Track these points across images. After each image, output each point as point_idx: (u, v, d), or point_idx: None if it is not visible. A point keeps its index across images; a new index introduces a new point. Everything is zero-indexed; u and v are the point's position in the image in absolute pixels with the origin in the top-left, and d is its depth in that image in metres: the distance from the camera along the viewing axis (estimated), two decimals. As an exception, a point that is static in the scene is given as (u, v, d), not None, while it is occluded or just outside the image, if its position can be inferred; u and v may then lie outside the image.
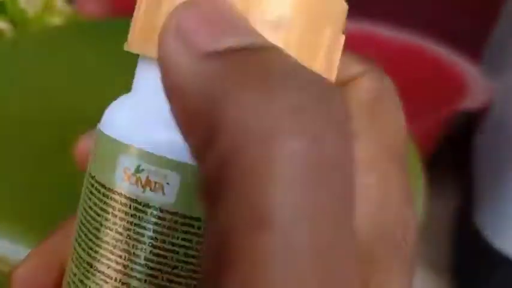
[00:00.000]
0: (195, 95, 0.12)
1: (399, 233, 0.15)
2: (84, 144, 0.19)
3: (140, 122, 0.15)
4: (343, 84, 0.17)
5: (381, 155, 0.16)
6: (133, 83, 0.17)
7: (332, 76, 0.16)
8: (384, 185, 0.15)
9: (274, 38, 0.14)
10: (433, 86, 0.58)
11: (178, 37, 0.13)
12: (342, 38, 0.16)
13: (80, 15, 0.54)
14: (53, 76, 0.39)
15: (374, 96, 0.16)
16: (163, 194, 0.14)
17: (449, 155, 0.57)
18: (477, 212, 0.47)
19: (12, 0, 0.49)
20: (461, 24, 0.67)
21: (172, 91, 0.13)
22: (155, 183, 0.14)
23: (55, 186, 0.31)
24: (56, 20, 0.52)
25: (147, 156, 0.15)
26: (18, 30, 0.50)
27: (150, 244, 0.15)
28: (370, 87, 0.16)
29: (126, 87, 0.37)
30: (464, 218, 0.49)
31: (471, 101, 0.52)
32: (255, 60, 0.12)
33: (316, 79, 0.12)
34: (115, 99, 0.17)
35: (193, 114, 0.12)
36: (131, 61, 0.37)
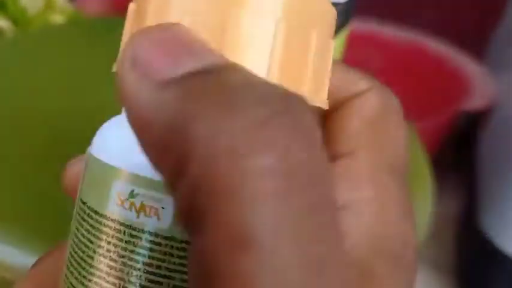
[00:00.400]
0: (159, 126, 0.12)
1: (398, 247, 0.15)
2: (72, 171, 0.18)
3: (133, 145, 0.15)
4: (348, 99, 0.16)
5: (381, 170, 0.15)
6: None
7: (323, 82, 0.15)
8: (382, 199, 0.15)
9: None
10: (436, 86, 0.57)
11: (135, 68, 0.13)
12: (331, 44, 0.15)
13: (81, 13, 0.54)
14: (55, 75, 0.39)
15: (378, 113, 0.16)
16: (159, 218, 0.14)
17: (453, 155, 0.57)
18: (481, 212, 0.47)
19: (13, -1, 0.49)
20: (465, 23, 0.66)
21: (136, 125, 0.12)
22: (150, 208, 0.14)
23: (56, 190, 0.30)
24: (58, 19, 0.51)
25: (141, 180, 0.14)
26: (19, 29, 0.50)
27: (145, 271, 0.14)
28: (375, 104, 0.16)
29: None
30: (468, 218, 0.49)
31: (475, 101, 0.52)
32: (213, 81, 0.12)
33: (275, 91, 0.12)
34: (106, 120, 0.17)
35: (160, 146, 0.12)
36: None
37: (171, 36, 0.13)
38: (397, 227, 0.15)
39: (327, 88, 0.15)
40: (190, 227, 0.12)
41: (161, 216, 0.14)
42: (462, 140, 0.57)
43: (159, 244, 0.14)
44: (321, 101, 0.15)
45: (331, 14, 0.15)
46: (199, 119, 0.11)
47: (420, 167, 0.35)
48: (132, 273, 0.14)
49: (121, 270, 0.14)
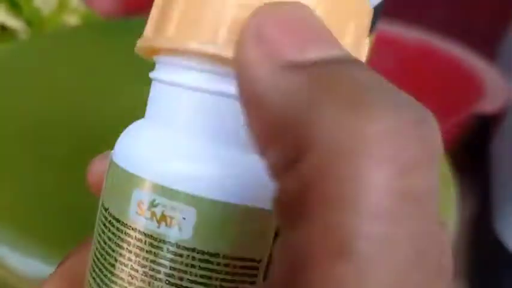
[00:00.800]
0: (277, 108, 0.12)
1: (437, 259, 0.14)
2: (96, 169, 0.18)
3: (154, 153, 0.14)
4: None
5: None
6: (147, 109, 0.16)
7: None
8: None
9: None
10: (449, 88, 0.57)
11: (259, 44, 0.12)
12: (367, 42, 0.15)
13: (94, 13, 0.54)
14: (69, 77, 0.39)
15: None
16: (180, 229, 0.14)
17: (466, 157, 0.57)
18: (495, 215, 0.47)
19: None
20: (478, 22, 0.66)
21: (251, 101, 0.12)
22: (171, 218, 0.14)
23: (59, 192, 0.30)
24: (71, 19, 0.51)
25: (162, 190, 0.14)
26: (33, 30, 0.50)
27: (167, 281, 0.14)
28: None
29: (141, 89, 0.36)
30: (482, 221, 0.49)
31: (488, 103, 0.51)
32: (342, 75, 0.12)
33: (412, 101, 0.12)
34: (130, 121, 0.17)
35: (275, 129, 0.12)
36: (148, 62, 0.37)
37: (299, 18, 0.13)
38: (435, 236, 0.15)
39: None
40: (287, 217, 0.11)
41: (182, 227, 0.14)
42: (475, 143, 0.56)
43: (180, 255, 0.14)
44: None
45: (367, 12, 0.15)
46: (327, 111, 0.11)
47: (444, 176, 0.35)
48: (153, 283, 0.14)
49: (142, 281, 0.14)
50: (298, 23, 0.12)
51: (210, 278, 0.14)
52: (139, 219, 0.14)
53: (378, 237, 0.10)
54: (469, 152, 0.57)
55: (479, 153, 0.56)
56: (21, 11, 0.49)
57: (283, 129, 0.12)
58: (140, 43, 0.16)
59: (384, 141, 0.11)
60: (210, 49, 0.14)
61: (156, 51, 0.16)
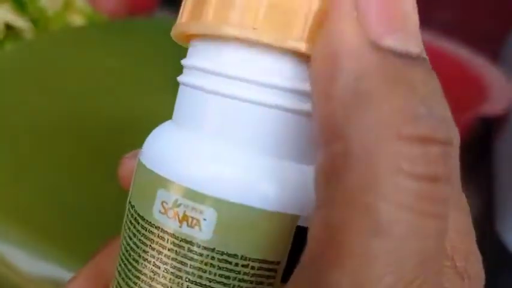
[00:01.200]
0: (346, 76, 0.12)
1: (459, 263, 0.15)
2: (127, 165, 0.18)
3: (179, 155, 0.15)
4: None
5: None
6: (175, 110, 0.16)
7: None
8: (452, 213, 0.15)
9: None
10: (452, 90, 0.57)
11: (354, 12, 0.13)
12: None
13: (99, 13, 0.54)
14: (73, 76, 0.39)
15: None
16: (200, 230, 0.14)
17: (470, 160, 0.57)
18: (498, 219, 0.47)
19: (32, -1, 0.49)
20: (482, 24, 0.66)
21: (326, 58, 0.13)
22: (192, 218, 0.14)
23: (67, 192, 0.31)
24: (76, 19, 0.52)
25: (185, 191, 0.14)
26: (38, 29, 0.50)
27: (187, 279, 0.15)
28: None
29: (147, 89, 0.36)
30: (485, 224, 0.49)
31: (492, 105, 0.51)
32: (408, 73, 0.13)
33: (448, 119, 0.13)
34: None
35: (335, 91, 0.12)
36: (152, 62, 0.37)
37: (397, 2, 0.13)
38: (462, 243, 0.15)
39: None
40: (328, 191, 0.12)
41: (203, 228, 0.14)
42: (479, 145, 0.56)
43: (200, 255, 0.14)
44: None
45: None
46: (377, 103, 0.12)
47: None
48: (173, 280, 0.15)
49: (163, 277, 0.15)
50: (393, 5, 0.13)
51: (228, 277, 0.14)
52: (162, 218, 0.15)
53: (408, 224, 0.12)
54: (472, 154, 0.57)
55: (482, 154, 0.56)
56: (26, 10, 0.49)
57: (339, 101, 0.12)
58: (174, 29, 0.16)
59: (414, 146, 0.12)
60: (246, 34, 0.14)
61: (191, 36, 0.16)
